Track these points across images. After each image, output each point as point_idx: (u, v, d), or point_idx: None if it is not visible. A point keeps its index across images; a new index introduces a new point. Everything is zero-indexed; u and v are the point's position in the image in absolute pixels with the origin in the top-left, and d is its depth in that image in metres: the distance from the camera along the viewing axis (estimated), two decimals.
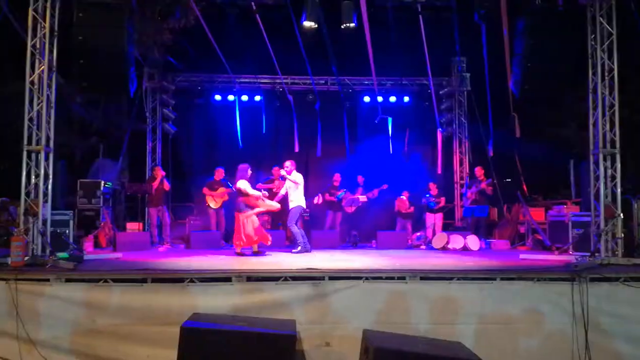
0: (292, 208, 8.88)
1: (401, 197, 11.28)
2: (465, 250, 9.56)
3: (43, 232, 6.93)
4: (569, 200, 10.58)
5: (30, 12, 7.06)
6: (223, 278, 5.87)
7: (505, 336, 5.74)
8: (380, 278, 5.93)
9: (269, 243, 8.41)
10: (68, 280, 5.78)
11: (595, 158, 7.46)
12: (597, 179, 7.40)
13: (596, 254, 7.06)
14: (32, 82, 7.06)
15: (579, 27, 7.58)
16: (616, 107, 7.31)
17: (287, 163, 8.97)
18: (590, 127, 7.55)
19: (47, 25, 7.10)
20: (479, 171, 11.06)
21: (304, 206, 9.10)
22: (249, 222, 8.16)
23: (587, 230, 7.86)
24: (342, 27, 8.40)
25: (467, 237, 9.76)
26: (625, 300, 5.83)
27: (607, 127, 7.33)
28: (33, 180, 7.02)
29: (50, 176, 7.18)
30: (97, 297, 5.69)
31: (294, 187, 8.87)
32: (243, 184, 8.24)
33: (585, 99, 7.78)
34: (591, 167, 7.52)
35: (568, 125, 12.81)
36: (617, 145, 7.29)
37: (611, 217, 7.16)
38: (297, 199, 8.89)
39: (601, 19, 7.35)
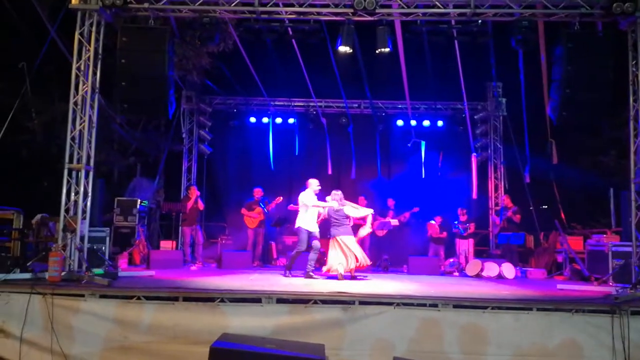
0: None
1: (432, 222, 11.13)
2: (500, 278, 9.32)
3: (80, 248, 7.09)
4: (609, 230, 10.24)
5: (77, 36, 7.38)
6: (253, 299, 5.88)
7: None
8: (412, 304, 5.83)
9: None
10: (102, 297, 5.88)
11: (636, 187, 7.24)
12: (638, 208, 7.17)
13: (638, 286, 6.77)
14: (75, 103, 7.33)
15: (619, 53, 7.43)
16: None
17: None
18: (632, 154, 7.33)
19: (92, 48, 7.39)
20: (505, 200, 10.94)
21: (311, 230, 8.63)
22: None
23: (628, 260, 7.56)
24: (377, 52, 8.44)
25: (502, 264, 9.52)
26: None
27: None
28: (73, 198, 7.22)
29: (89, 194, 7.38)
30: (130, 314, 5.77)
31: (303, 209, 8.66)
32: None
33: (625, 125, 7.58)
34: (632, 196, 7.29)
35: (607, 152, 12.49)
36: None
37: None
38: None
39: None
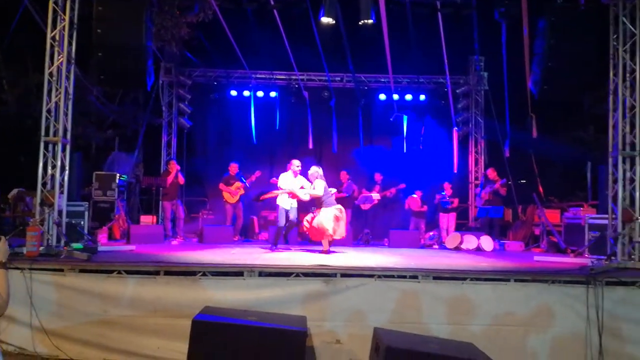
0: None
1: (413, 195, 11.21)
2: (478, 250, 9.48)
3: (58, 223, 7.00)
4: (586, 203, 10.44)
5: (51, 4, 7.13)
6: (235, 272, 5.89)
7: (518, 338, 5.68)
8: (392, 276, 5.90)
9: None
10: (82, 271, 5.84)
11: (614, 160, 7.33)
12: (615, 181, 7.28)
13: (612, 258, 6.95)
14: (50, 74, 7.13)
15: (601, 27, 7.45)
16: (637, 109, 7.17)
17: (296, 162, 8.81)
18: (610, 129, 7.42)
19: (67, 17, 7.17)
20: (491, 173, 11.03)
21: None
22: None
23: (604, 233, 7.73)
24: (360, 23, 8.33)
25: (481, 237, 9.68)
26: None
27: (627, 129, 7.19)
28: (49, 172, 7.09)
29: (67, 168, 7.25)
30: (110, 289, 5.73)
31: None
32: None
33: (605, 100, 7.65)
34: (609, 170, 7.40)
35: (587, 127, 12.65)
36: (637, 147, 7.15)
37: (629, 221, 7.03)
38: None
39: (624, 19, 7.21)
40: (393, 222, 11.44)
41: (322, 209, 7.99)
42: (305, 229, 8.30)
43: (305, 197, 8.20)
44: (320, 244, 8.19)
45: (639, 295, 5.76)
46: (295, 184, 8.51)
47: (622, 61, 7.23)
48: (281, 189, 8.56)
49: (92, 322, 5.66)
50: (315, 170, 8.29)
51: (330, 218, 7.90)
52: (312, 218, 8.10)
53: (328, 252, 7.93)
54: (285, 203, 8.62)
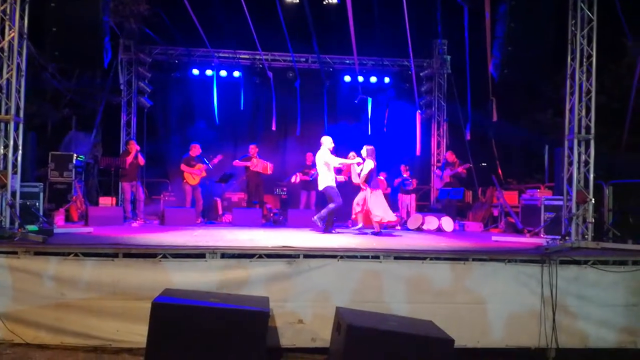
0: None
1: (379, 177, 11.29)
2: (439, 231, 9.66)
3: (12, 204, 6.76)
4: (542, 185, 10.74)
5: None
6: (197, 254, 5.82)
7: (476, 315, 5.83)
8: (355, 257, 5.94)
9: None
10: (37, 254, 5.66)
11: (569, 143, 7.54)
12: (570, 164, 7.48)
13: (567, 238, 7.18)
14: (1, 49, 6.82)
15: (560, 12, 7.59)
16: (593, 94, 7.37)
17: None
18: (567, 112, 7.60)
19: None
20: (450, 156, 11.24)
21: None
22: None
23: (559, 214, 7.98)
24: (325, 2, 8.27)
25: (442, 218, 9.86)
26: (593, 282, 5.96)
27: (583, 112, 7.39)
28: (2, 151, 6.83)
29: (20, 147, 6.99)
30: (67, 271, 5.58)
31: (325, 168, 8.63)
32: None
33: (563, 84, 7.82)
34: (565, 152, 7.59)
35: (545, 110, 12.95)
36: (592, 131, 7.36)
37: (583, 202, 7.26)
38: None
39: (582, 5, 7.35)
40: None
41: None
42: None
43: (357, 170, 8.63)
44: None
45: (591, 274, 5.98)
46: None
47: (579, 46, 7.38)
48: (327, 165, 8.48)
49: (48, 305, 5.51)
50: (370, 148, 8.52)
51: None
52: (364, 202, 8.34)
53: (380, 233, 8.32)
54: (334, 181, 8.59)
